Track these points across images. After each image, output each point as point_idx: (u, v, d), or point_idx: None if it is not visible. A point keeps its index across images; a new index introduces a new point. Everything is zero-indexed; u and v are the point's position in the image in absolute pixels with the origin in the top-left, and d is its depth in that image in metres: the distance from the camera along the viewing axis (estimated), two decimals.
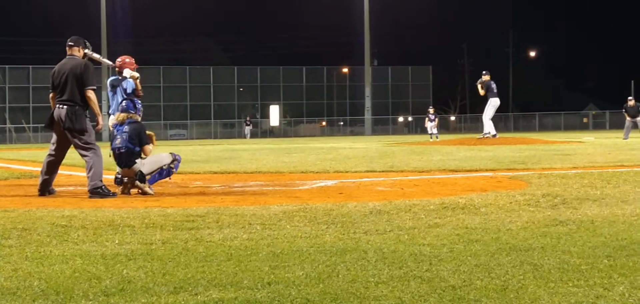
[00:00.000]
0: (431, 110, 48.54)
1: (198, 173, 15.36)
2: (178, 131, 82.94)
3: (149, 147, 11.20)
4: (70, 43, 11.14)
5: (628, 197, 9.45)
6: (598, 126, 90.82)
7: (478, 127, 62.17)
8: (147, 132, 11.46)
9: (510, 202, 9.05)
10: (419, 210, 8.43)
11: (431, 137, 45.04)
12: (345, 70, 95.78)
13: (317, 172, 15.11)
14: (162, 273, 5.27)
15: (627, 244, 6.12)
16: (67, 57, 11.08)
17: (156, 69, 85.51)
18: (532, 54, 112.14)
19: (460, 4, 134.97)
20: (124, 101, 11.60)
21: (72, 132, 10.78)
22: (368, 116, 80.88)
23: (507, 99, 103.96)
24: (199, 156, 23.67)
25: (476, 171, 14.90)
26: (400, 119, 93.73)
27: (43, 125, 11.97)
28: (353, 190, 11.49)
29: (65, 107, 10.76)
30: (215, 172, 15.58)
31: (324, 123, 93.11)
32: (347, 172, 15.25)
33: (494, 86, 30.39)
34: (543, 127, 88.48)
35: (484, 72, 30.81)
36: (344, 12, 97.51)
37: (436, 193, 10.59)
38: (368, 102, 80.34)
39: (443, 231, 6.97)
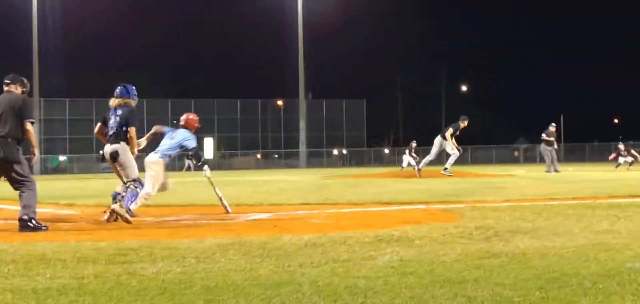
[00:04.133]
0: (414, 144, 47.54)
1: None
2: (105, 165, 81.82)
3: (133, 130, 12.05)
4: (7, 81, 11.15)
5: (559, 230, 9.56)
6: (529, 159, 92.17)
7: None
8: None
9: (444, 235, 9.11)
10: (354, 242, 8.44)
11: (415, 168, 44.33)
12: (280, 103, 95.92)
13: (251, 205, 15.06)
14: None
15: (559, 276, 6.19)
16: (5, 93, 11.05)
17: (89, 101, 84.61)
18: (464, 88, 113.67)
19: (393, 37, 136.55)
20: (119, 87, 12.47)
21: (8, 163, 10.65)
22: (303, 148, 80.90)
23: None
24: None
25: (410, 203, 14.98)
26: (335, 151, 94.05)
27: None
28: (288, 223, 11.45)
29: None
30: (149, 206, 15.39)
31: (258, 156, 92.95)
32: (281, 204, 15.22)
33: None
34: (475, 160, 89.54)
35: (462, 116, 31.06)
36: (279, 45, 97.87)
37: (371, 226, 10.61)
38: (303, 136, 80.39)
39: (378, 263, 6.98)
